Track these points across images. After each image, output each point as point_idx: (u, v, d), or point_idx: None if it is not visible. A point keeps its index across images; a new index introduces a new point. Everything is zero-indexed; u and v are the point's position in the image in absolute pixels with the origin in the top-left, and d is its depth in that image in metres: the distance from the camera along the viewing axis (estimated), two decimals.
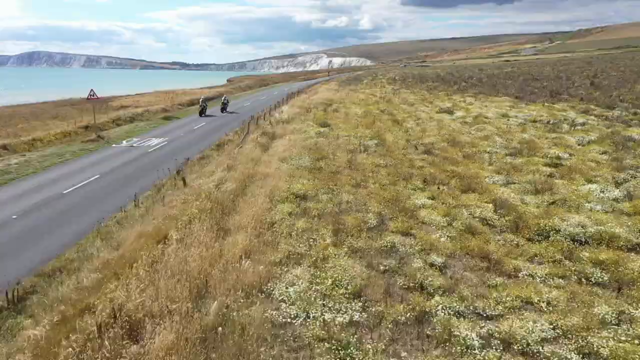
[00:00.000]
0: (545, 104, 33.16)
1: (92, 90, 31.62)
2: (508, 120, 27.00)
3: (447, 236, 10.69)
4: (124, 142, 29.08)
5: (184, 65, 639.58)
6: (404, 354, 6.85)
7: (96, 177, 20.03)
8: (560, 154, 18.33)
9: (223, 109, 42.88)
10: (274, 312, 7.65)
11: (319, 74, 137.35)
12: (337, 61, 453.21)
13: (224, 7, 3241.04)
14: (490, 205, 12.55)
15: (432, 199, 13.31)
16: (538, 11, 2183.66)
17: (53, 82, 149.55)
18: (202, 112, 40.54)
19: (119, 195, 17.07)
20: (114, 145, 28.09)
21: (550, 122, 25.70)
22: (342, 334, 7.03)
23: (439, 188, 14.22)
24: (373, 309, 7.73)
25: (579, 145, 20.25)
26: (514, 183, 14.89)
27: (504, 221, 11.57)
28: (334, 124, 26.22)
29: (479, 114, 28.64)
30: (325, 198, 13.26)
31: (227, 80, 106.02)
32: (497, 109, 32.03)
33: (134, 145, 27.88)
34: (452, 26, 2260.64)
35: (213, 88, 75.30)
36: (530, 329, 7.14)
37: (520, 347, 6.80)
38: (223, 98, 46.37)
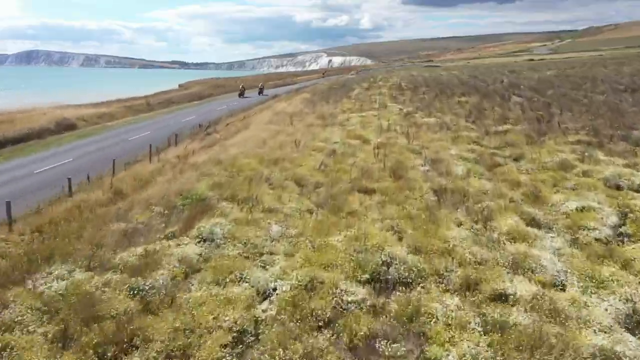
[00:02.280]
0: None
1: None
2: None
3: None
4: None
5: (184, 65, 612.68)
6: None
7: None
8: None
9: (260, 92, 58.63)
10: None
11: (301, 76, 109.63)
12: (337, 60, 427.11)
13: (224, 7, 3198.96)
14: None
15: None
16: (538, 11, 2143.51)
17: (53, 82, 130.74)
18: (241, 94, 56.61)
19: None
20: None
21: None
22: None
23: None
24: None
25: None
26: None
27: None
28: None
29: None
30: None
31: (179, 86, 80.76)
32: None
33: None
34: (452, 25, 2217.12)
35: (130, 100, 49.87)
36: None
37: None
38: (260, 84, 63.56)
